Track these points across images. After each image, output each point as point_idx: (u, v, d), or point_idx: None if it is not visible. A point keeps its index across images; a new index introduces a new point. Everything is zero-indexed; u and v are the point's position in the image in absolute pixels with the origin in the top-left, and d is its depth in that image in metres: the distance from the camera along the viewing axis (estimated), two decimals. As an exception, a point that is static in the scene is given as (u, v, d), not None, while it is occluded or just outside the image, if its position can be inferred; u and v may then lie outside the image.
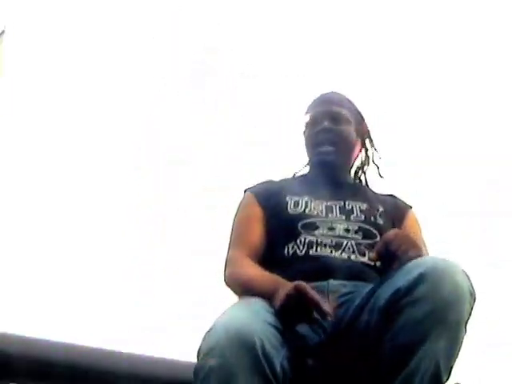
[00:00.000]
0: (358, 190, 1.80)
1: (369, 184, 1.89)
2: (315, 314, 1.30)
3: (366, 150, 1.88)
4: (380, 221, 1.68)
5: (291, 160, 1.98)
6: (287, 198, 1.70)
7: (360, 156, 1.88)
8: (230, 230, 1.71)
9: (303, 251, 1.57)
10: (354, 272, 1.53)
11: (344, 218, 1.66)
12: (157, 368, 1.66)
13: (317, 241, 1.58)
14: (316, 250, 1.56)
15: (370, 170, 1.90)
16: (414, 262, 1.29)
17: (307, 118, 1.83)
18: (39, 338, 1.55)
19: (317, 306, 1.29)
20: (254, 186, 1.79)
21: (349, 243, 1.59)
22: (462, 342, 1.25)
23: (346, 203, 1.70)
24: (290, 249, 1.59)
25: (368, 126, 1.88)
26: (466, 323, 1.25)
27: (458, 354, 1.25)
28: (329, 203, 1.69)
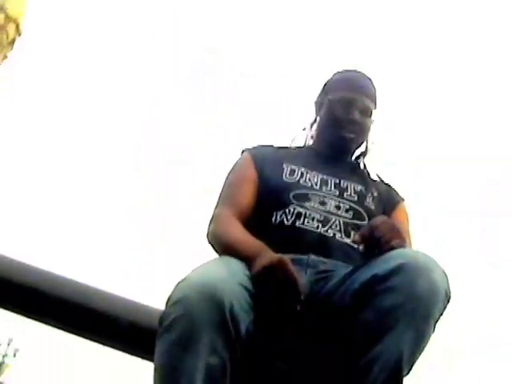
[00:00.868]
0: (356, 171, 1.79)
1: (368, 169, 1.88)
2: (290, 290, 1.30)
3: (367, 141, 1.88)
4: (372, 205, 1.68)
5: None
6: (284, 165, 1.70)
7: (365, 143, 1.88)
8: (222, 187, 1.71)
9: (290, 221, 1.57)
10: (335, 251, 1.53)
11: (337, 194, 1.65)
12: (130, 310, 1.65)
13: (305, 213, 1.57)
14: (303, 223, 1.56)
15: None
16: (395, 251, 1.29)
17: (337, 96, 1.77)
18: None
19: (293, 285, 1.29)
20: (254, 148, 1.78)
21: (336, 221, 1.58)
22: (428, 339, 1.25)
23: (342, 181, 1.70)
24: (278, 217, 1.59)
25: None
26: (436, 322, 1.25)
27: (422, 350, 1.25)
28: (324, 177, 1.68)
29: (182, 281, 1.24)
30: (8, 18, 15.26)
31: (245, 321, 1.23)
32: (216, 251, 1.55)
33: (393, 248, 1.31)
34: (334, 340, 1.32)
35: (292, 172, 1.68)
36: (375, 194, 1.72)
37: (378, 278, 1.24)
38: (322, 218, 1.57)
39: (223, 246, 1.52)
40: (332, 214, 1.60)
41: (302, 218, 1.57)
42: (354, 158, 1.86)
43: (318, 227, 1.56)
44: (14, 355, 15.50)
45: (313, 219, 1.57)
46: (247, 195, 1.65)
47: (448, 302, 1.27)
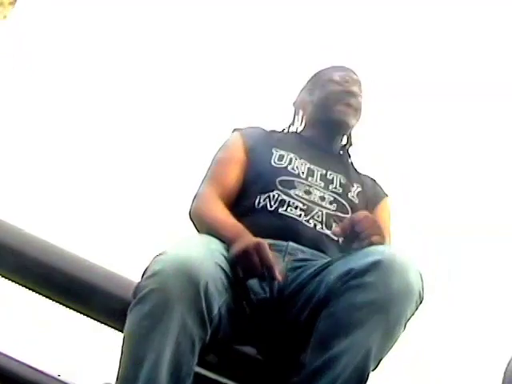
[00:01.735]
0: (343, 164, 1.80)
1: (354, 163, 1.89)
2: (266, 274, 1.31)
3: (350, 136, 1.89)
4: (355, 199, 1.68)
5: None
6: (273, 150, 1.70)
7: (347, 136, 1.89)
8: (209, 164, 1.70)
9: (273, 207, 1.57)
10: (315, 241, 1.53)
11: (323, 185, 1.66)
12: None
13: (289, 201, 1.58)
14: (286, 210, 1.56)
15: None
16: (374, 247, 1.29)
17: (335, 75, 1.83)
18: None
19: (270, 269, 1.29)
20: (244, 129, 1.78)
21: (319, 212, 1.59)
22: (397, 338, 1.25)
23: (329, 172, 1.70)
24: (262, 201, 1.59)
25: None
26: (407, 322, 1.26)
27: (390, 349, 1.25)
28: (312, 166, 1.69)
29: (160, 254, 1.24)
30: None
31: (218, 301, 1.23)
32: (196, 229, 1.56)
33: (372, 244, 1.31)
34: (301, 329, 1.33)
35: (281, 157, 1.68)
36: (360, 189, 1.73)
37: (352, 273, 1.24)
38: (305, 207, 1.58)
39: (204, 225, 1.52)
40: (316, 204, 1.60)
41: (285, 206, 1.57)
42: (340, 146, 1.87)
43: (300, 215, 1.56)
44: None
45: (296, 207, 1.57)
46: (233, 176, 1.65)
47: (421, 302, 1.27)
